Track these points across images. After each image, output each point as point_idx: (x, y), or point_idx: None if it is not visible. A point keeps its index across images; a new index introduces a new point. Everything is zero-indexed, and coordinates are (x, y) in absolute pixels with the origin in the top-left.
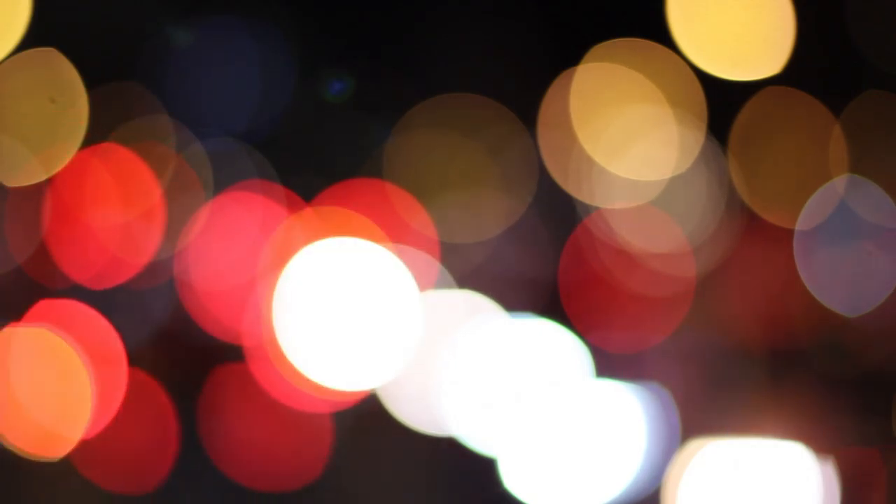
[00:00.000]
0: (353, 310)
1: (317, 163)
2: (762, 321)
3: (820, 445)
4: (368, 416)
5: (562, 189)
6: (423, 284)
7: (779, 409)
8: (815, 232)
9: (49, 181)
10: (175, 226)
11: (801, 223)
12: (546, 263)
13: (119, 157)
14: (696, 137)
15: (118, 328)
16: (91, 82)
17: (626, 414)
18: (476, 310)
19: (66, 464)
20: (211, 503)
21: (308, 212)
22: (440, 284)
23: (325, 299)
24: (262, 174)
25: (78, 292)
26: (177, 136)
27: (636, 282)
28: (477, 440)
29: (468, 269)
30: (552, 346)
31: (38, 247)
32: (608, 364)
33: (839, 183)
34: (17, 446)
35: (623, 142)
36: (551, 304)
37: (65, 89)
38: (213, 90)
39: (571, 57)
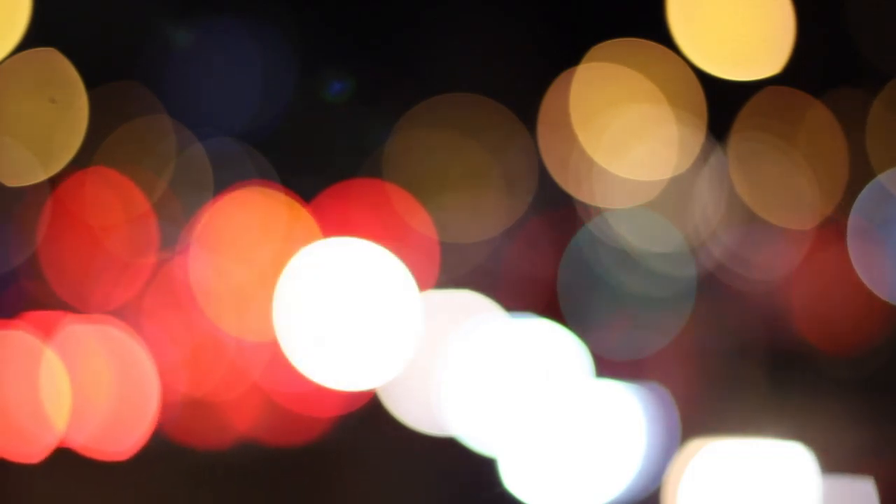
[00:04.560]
0: (353, 310)
1: (317, 163)
2: (762, 321)
3: (819, 445)
4: (368, 416)
5: (562, 189)
6: (423, 284)
7: (778, 410)
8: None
9: (49, 186)
10: (175, 226)
11: (853, 220)
12: (546, 263)
13: (116, 166)
14: (696, 137)
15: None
16: (91, 82)
17: (626, 414)
18: (476, 310)
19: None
20: (213, 502)
21: (308, 212)
22: (440, 284)
23: (326, 299)
24: (262, 174)
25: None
26: (177, 136)
27: (636, 282)
28: (477, 440)
29: (468, 269)
30: (552, 346)
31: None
32: (608, 364)
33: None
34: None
35: (623, 142)
36: (551, 304)
37: (65, 89)
38: (213, 90)
39: (571, 57)
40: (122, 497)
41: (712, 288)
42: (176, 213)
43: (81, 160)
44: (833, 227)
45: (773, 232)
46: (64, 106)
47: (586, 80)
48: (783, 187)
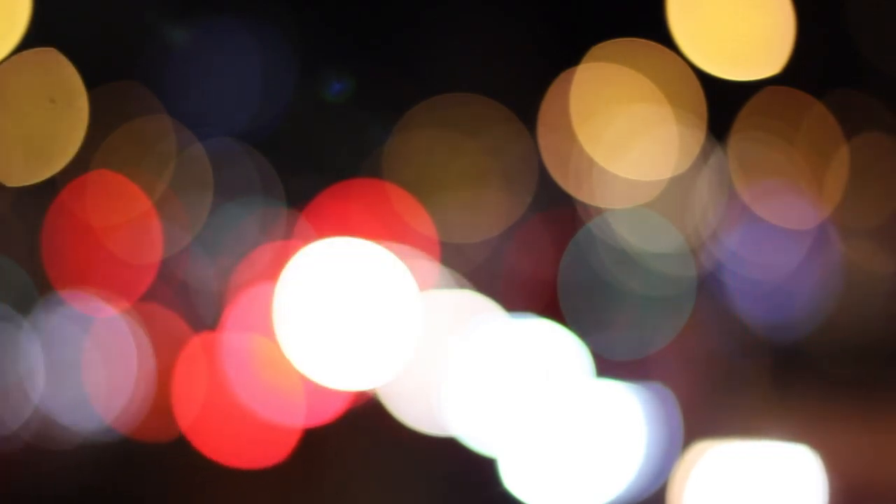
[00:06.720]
0: (353, 309)
1: (317, 163)
2: (763, 321)
3: (823, 447)
4: (368, 416)
5: (562, 189)
6: (423, 284)
7: (782, 411)
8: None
9: (49, 187)
10: (175, 226)
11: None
12: (546, 263)
13: (116, 166)
14: (696, 137)
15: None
16: (91, 82)
17: (628, 415)
18: (476, 310)
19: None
20: (213, 499)
21: (308, 212)
22: (440, 284)
23: (325, 299)
24: (262, 174)
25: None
26: (177, 136)
27: (636, 282)
28: (477, 440)
29: (468, 269)
30: (552, 346)
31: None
32: (609, 364)
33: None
34: None
35: (623, 142)
36: (551, 304)
37: (65, 89)
38: (213, 90)
39: (571, 57)
40: None
41: (712, 288)
42: (175, 213)
43: (82, 160)
44: (833, 227)
45: (773, 232)
46: (64, 106)
47: (586, 80)
48: (783, 187)
